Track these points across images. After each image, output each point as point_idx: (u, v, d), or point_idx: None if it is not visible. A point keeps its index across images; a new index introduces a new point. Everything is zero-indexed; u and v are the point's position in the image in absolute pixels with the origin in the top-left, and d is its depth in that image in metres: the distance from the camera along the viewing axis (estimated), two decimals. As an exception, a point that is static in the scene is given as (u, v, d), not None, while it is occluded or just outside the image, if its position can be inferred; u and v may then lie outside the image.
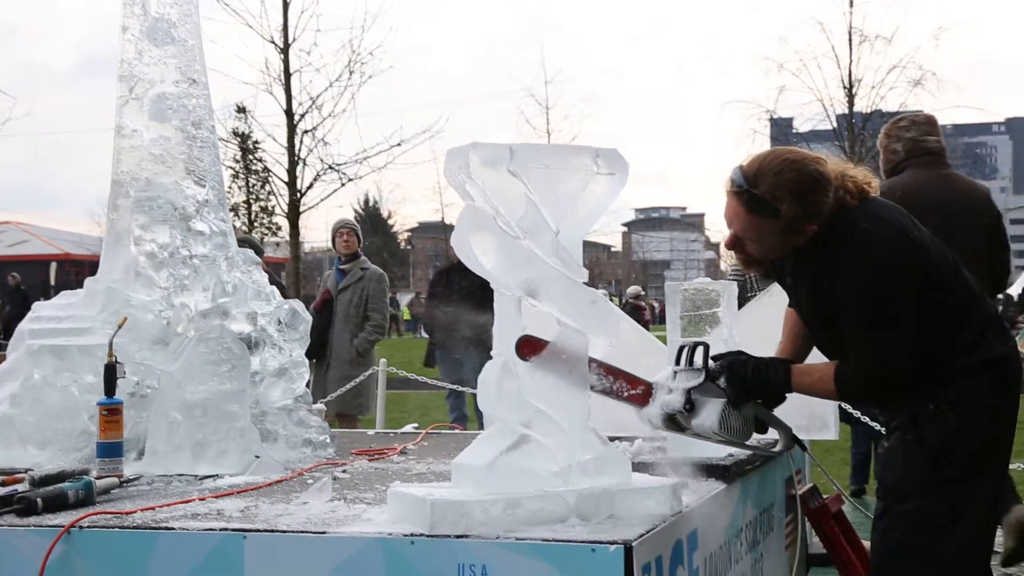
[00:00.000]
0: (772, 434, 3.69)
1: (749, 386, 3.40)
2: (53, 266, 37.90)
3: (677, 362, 3.45)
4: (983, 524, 3.35)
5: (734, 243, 3.38)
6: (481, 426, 9.45)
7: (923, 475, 3.28)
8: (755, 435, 3.57)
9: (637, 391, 3.42)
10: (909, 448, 3.33)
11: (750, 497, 4.16)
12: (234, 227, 4.98)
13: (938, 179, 5.99)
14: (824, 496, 5.21)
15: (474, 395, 9.82)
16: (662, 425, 3.45)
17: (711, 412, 3.38)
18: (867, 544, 4.40)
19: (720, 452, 4.02)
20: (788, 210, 3.23)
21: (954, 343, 3.29)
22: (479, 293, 10.49)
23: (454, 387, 9.56)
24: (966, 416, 3.27)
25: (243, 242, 8.34)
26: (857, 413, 6.49)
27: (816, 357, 3.60)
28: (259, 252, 8.95)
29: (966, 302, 3.35)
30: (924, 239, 3.34)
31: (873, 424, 6.48)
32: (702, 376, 3.40)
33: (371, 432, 6.05)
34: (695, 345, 3.44)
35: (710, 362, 3.44)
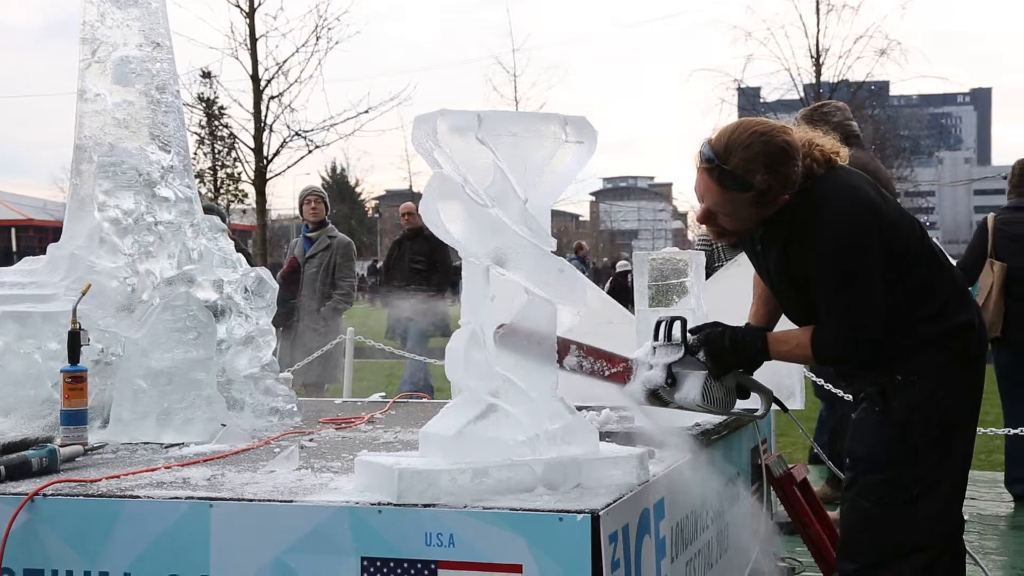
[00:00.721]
0: (754, 399, 3.72)
1: (728, 357, 3.43)
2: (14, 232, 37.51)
3: (656, 337, 3.47)
4: (953, 493, 3.38)
5: (707, 217, 3.38)
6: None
7: (892, 446, 3.31)
8: (737, 402, 3.60)
9: (618, 369, 3.46)
10: (877, 419, 3.35)
11: (716, 466, 4.18)
12: (199, 194, 4.93)
13: (872, 160, 6.28)
14: (789, 465, 5.26)
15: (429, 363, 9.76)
16: (645, 400, 3.49)
17: (693, 385, 3.42)
18: (833, 515, 4.45)
19: (687, 422, 4.04)
20: (760, 182, 3.23)
21: (920, 312, 3.31)
22: (428, 263, 10.49)
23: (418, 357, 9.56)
24: (932, 385, 3.30)
25: (207, 210, 8.27)
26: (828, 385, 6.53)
27: (785, 324, 3.62)
28: (223, 220, 8.89)
29: (932, 271, 3.37)
30: (891, 208, 3.37)
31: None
32: (682, 350, 3.43)
33: (338, 401, 6.03)
34: (672, 320, 3.46)
35: (688, 335, 3.47)
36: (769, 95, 31.67)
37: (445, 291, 10.15)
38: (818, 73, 29.75)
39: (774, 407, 3.83)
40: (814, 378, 6.64)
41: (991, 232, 7.24)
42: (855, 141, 6.26)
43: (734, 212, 3.33)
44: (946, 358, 3.32)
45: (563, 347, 3.47)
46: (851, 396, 3.67)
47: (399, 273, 10.24)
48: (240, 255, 4.81)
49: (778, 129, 3.31)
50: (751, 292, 3.85)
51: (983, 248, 7.25)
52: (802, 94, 30.10)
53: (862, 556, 3.34)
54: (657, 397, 3.49)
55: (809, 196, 3.29)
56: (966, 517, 6.34)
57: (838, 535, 3.63)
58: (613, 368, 3.47)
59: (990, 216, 7.41)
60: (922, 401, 3.29)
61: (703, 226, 3.47)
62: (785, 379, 5.05)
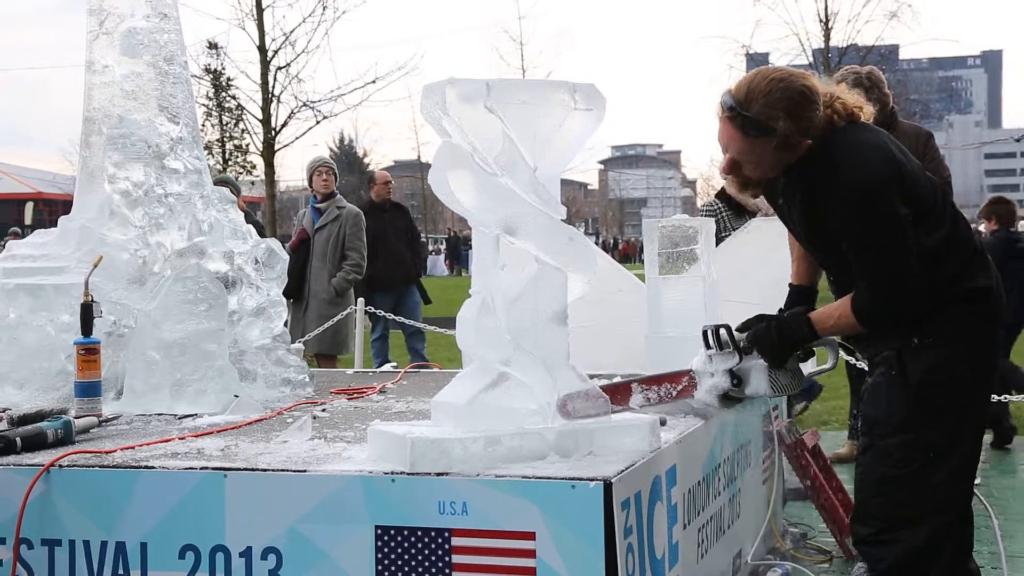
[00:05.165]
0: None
1: (780, 349, 3.55)
2: (29, 206, 37.58)
3: (707, 345, 3.65)
4: (967, 458, 3.38)
5: (731, 167, 3.38)
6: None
7: (907, 409, 3.31)
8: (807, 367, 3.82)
9: (683, 384, 3.69)
10: (892, 383, 3.35)
11: (728, 433, 4.20)
12: (208, 166, 4.93)
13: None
14: (801, 431, 5.27)
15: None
16: (719, 404, 3.70)
17: (758, 379, 3.60)
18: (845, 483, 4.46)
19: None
20: (783, 127, 3.24)
21: (938, 275, 3.29)
22: (411, 235, 10.42)
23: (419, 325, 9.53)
24: (948, 349, 3.29)
25: (220, 182, 8.29)
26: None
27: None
28: (236, 191, 8.88)
29: (952, 233, 3.35)
30: (913, 167, 3.35)
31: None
32: (736, 356, 3.61)
33: (350, 371, 6.06)
34: (717, 328, 3.63)
35: (737, 336, 3.63)
36: (778, 60, 31.47)
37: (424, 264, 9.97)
38: (827, 38, 29.56)
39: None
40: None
41: None
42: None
43: (758, 159, 3.33)
44: (963, 322, 3.31)
45: (624, 391, 3.72)
46: (866, 361, 3.66)
47: (386, 247, 10.02)
48: (251, 226, 4.82)
49: (797, 75, 3.33)
50: (764, 259, 3.86)
51: None
52: (811, 59, 29.91)
53: (876, 520, 3.35)
54: (728, 398, 3.70)
55: (830, 148, 3.28)
56: (977, 482, 6.37)
57: (851, 501, 3.64)
58: (678, 386, 3.70)
59: None
60: (937, 364, 3.28)
61: (728, 176, 3.46)
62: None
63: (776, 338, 3.53)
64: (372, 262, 9.52)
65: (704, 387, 3.66)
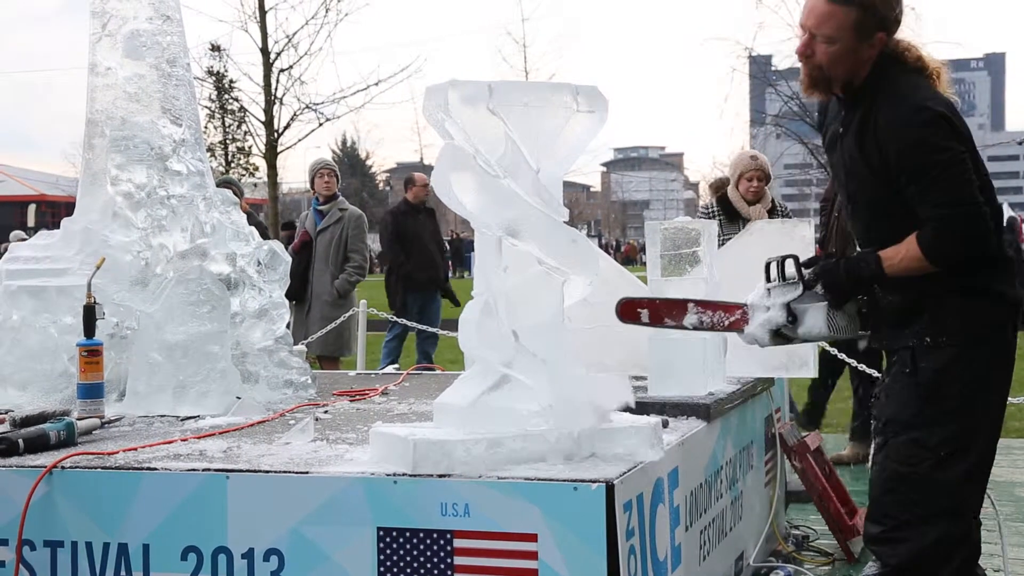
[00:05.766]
0: None
1: (845, 285, 3.41)
2: (32, 208, 37.64)
3: (768, 278, 3.49)
4: (980, 460, 3.36)
5: (805, 47, 3.37)
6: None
7: (917, 407, 3.30)
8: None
9: (736, 316, 3.53)
10: (906, 381, 3.34)
11: (730, 435, 4.20)
12: (211, 168, 4.93)
13: None
14: (803, 434, 5.27)
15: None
16: (769, 340, 3.50)
17: (815, 318, 3.43)
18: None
19: (700, 392, 4.04)
20: (865, 1, 3.28)
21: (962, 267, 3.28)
22: (437, 237, 10.55)
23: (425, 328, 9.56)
24: (960, 349, 3.28)
25: (223, 183, 8.30)
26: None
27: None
28: (239, 193, 8.89)
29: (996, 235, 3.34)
30: (971, 143, 3.36)
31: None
32: (799, 287, 3.43)
33: (352, 373, 6.06)
34: (784, 258, 3.48)
35: (803, 271, 3.48)
36: (781, 63, 31.46)
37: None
38: (830, 40, 29.49)
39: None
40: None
41: None
42: None
43: (834, 35, 3.30)
44: (979, 323, 3.30)
45: (680, 307, 3.58)
46: (885, 356, 3.60)
47: (420, 248, 10.13)
48: (253, 228, 4.82)
49: None
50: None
51: None
52: (814, 62, 29.85)
53: (887, 518, 3.32)
54: (781, 336, 3.50)
55: (897, 81, 3.31)
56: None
57: (853, 503, 3.63)
58: (731, 316, 3.52)
59: None
60: (948, 363, 3.27)
61: (802, 61, 3.43)
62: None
63: (843, 273, 3.39)
64: (406, 262, 9.69)
65: (757, 321, 3.46)
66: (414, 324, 9.41)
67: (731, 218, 7.19)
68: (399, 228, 10.21)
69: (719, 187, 8.20)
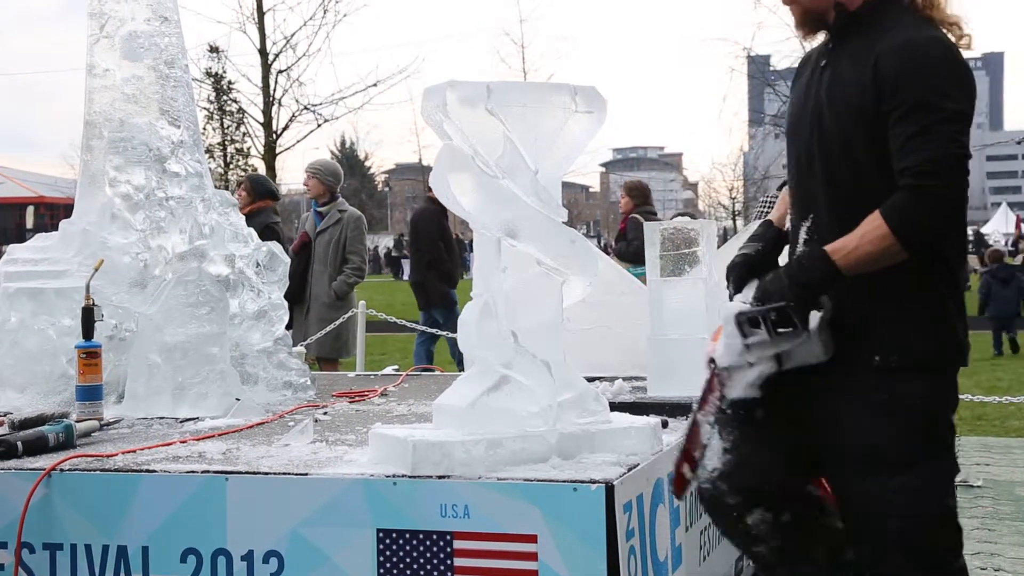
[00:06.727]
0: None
1: (799, 299, 2.67)
2: (31, 210, 37.63)
3: (743, 334, 2.76)
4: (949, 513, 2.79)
5: None
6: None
7: (906, 443, 2.71)
8: None
9: (715, 389, 2.88)
10: (877, 410, 2.72)
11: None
12: (209, 169, 4.93)
13: None
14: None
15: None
16: (760, 391, 2.83)
17: (807, 349, 2.77)
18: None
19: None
20: None
21: (936, 284, 2.73)
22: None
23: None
24: (919, 375, 2.71)
25: (257, 180, 8.44)
26: None
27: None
28: (275, 196, 8.97)
29: (961, 254, 2.83)
30: None
31: None
32: (800, 337, 2.73)
33: (351, 374, 6.05)
34: (770, 310, 2.73)
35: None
36: (779, 63, 31.49)
37: None
38: (829, 40, 29.50)
39: None
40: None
41: None
42: None
43: None
44: (938, 347, 2.74)
45: (696, 432, 2.91)
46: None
47: (452, 246, 10.38)
48: (251, 230, 4.82)
49: None
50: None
51: None
52: (813, 61, 29.87)
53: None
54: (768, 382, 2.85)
55: (900, 20, 2.72)
56: (979, 483, 6.36)
57: None
58: (716, 392, 2.87)
59: None
60: (915, 391, 2.71)
61: (788, 5, 2.89)
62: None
63: (786, 280, 2.69)
64: (448, 260, 9.85)
65: (744, 381, 2.80)
66: (442, 332, 9.52)
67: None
68: (441, 227, 10.33)
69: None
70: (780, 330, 2.71)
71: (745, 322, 2.75)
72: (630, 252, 10.00)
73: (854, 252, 2.62)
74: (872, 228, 2.60)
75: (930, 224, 2.60)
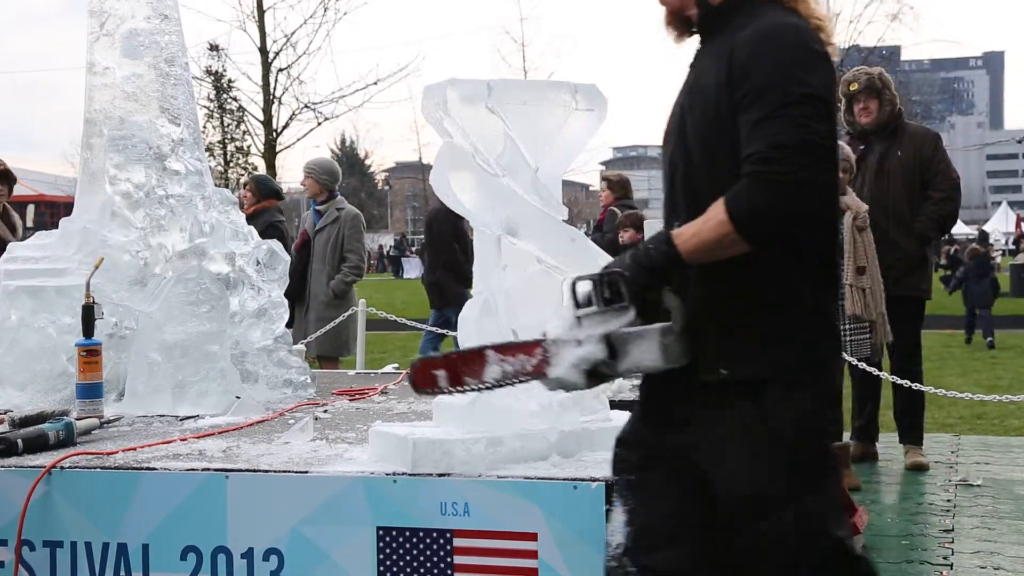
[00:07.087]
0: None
1: (634, 279, 2.47)
2: (31, 208, 37.65)
3: (576, 303, 2.54)
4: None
5: None
6: None
7: (784, 471, 2.43)
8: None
9: (536, 358, 2.60)
10: (753, 431, 2.43)
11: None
12: (209, 167, 4.93)
13: None
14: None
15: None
16: (584, 383, 2.53)
17: (644, 347, 2.49)
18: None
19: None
20: None
21: (817, 290, 2.51)
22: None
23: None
24: (804, 390, 2.47)
25: (263, 180, 8.46)
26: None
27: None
28: (279, 194, 8.98)
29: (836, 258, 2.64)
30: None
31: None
32: (629, 313, 2.49)
33: (351, 372, 6.05)
34: (603, 276, 2.53)
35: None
36: (780, 62, 31.54)
37: None
38: (829, 38, 29.55)
39: None
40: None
41: None
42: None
43: None
44: (815, 357, 2.51)
45: (479, 359, 2.63)
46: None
47: (467, 247, 10.42)
48: (251, 228, 4.82)
49: None
50: None
51: None
52: (812, 60, 29.91)
53: None
54: (597, 376, 2.54)
55: (760, 15, 2.52)
56: (979, 481, 6.36)
57: (853, 501, 3.53)
58: (531, 359, 2.59)
59: None
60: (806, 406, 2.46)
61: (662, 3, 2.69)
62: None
63: (629, 262, 2.48)
64: (465, 261, 9.89)
65: (566, 360, 2.50)
66: (452, 332, 9.54)
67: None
68: (455, 227, 10.36)
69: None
70: (610, 302, 2.48)
71: (577, 290, 2.53)
72: (604, 243, 10.09)
73: (694, 237, 2.42)
74: (714, 215, 2.39)
75: (769, 213, 2.34)
